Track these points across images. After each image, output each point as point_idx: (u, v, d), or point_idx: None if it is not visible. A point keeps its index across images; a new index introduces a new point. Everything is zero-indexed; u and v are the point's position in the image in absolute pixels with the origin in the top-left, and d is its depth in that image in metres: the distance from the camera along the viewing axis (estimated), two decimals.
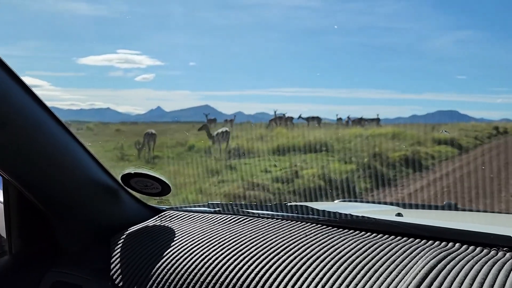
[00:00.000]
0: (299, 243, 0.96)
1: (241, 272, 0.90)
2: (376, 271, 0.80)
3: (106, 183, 1.16)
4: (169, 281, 0.95)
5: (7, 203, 1.14)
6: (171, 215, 1.25)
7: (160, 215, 1.25)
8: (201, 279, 0.92)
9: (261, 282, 0.86)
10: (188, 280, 0.93)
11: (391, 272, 0.79)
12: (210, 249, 1.00)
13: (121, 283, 1.01)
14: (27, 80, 0.94)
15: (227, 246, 1.00)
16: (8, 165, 1.00)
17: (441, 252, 0.81)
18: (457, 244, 0.86)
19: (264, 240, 1.00)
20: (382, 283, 0.77)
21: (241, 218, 1.16)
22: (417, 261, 0.80)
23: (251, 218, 1.15)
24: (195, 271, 0.95)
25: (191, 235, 1.09)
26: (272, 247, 0.96)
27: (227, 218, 1.17)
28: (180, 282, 0.94)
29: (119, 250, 1.10)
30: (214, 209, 1.26)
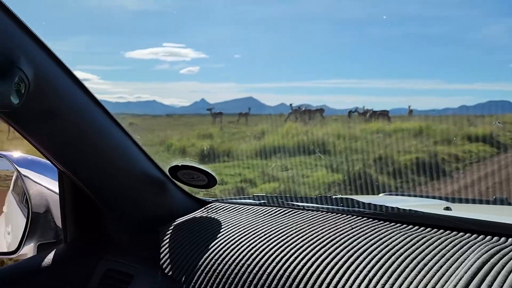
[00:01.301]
0: (346, 236, 0.95)
1: (288, 263, 0.91)
2: (425, 265, 0.78)
3: (154, 175, 1.18)
4: (217, 271, 0.97)
5: (62, 194, 1.19)
6: (217, 207, 1.26)
7: (206, 206, 1.27)
8: (249, 270, 0.93)
9: (308, 274, 0.86)
10: (236, 271, 0.94)
11: (441, 266, 0.77)
12: (256, 240, 1.01)
13: (170, 272, 1.03)
14: (78, 74, 0.97)
15: (273, 238, 1.00)
16: (63, 157, 1.04)
17: (493, 247, 0.78)
18: (510, 239, 0.83)
19: (310, 232, 1.00)
20: (432, 277, 0.75)
21: (286, 210, 1.16)
22: (469, 256, 0.78)
23: (296, 210, 1.15)
24: (242, 261, 0.96)
25: (238, 226, 1.10)
26: (319, 240, 0.95)
27: (272, 210, 1.17)
28: (228, 272, 0.95)
29: (168, 240, 1.13)
30: (259, 201, 1.26)
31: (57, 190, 1.26)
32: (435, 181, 6.68)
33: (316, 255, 0.90)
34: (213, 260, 1.00)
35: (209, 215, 1.22)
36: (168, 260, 1.07)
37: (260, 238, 1.02)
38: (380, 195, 1.94)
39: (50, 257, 1.15)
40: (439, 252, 0.81)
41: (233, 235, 1.06)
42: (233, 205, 1.26)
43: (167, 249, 1.10)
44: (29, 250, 1.25)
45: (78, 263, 1.17)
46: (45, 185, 1.28)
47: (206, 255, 1.02)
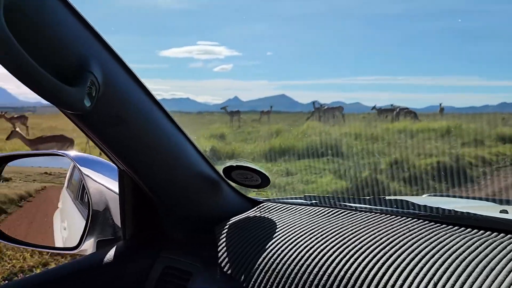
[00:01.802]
0: (404, 238, 0.95)
1: (348, 265, 0.91)
2: (492, 269, 0.78)
3: (209, 175, 1.21)
4: (277, 270, 0.98)
5: (122, 192, 1.23)
6: (269, 206, 1.28)
7: (259, 206, 1.29)
8: (308, 270, 0.94)
9: (370, 276, 0.86)
10: (295, 270, 0.96)
11: (509, 272, 0.76)
12: (313, 241, 1.02)
13: (229, 271, 1.05)
14: None
15: (330, 239, 1.01)
16: (127, 158, 1.07)
17: None
18: None
19: (367, 234, 1.00)
20: (501, 283, 0.75)
21: (338, 211, 1.17)
22: None
23: (349, 211, 1.16)
24: (301, 262, 0.97)
25: (293, 226, 1.12)
26: (377, 242, 0.96)
27: (325, 211, 1.18)
28: (288, 272, 0.96)
29: (224, 239, 1.15)
30: (310, 202, 1.27)
31: (115, 189, 1.31)
32: (457, 188, 6.44)
33: (377, 257, 0.90)
34: (272, 260, 1.01)
35: (262, 215, 1.24)
36: (227, 259, 1.09)
37: (317, 238, 1.03)
38: (424, 196, 1.92)
39: (111, 253, 1.19)
40: (504, 256, 0.81)
41: (289, 235, 1.07)
42: (284, 205, 1.27)
43: (225, 248, 1.13)
44: (88, 246, 1.29)
45: (137, 259, 1.21)
46: (104, 184, 1.32)
47: (264, 254, 1.04)
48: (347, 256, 0.94)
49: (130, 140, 1.03)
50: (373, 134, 10.70)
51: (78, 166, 1.32)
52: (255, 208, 1.29)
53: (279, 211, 1.25)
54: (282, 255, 1.01)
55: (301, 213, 1.20)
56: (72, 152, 1.39)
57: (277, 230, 1.12)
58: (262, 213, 1.25)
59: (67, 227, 1.52)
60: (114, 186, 1.32)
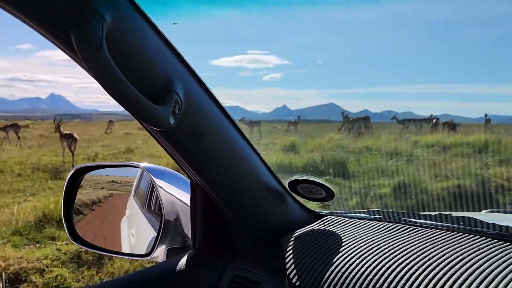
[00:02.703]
0: (474, 257, 0.95)
1: (418, 281, 0.93)
2: None
3: (275, 188, 1.26)
4: (345, 284, 1.01)
5: (193, 203, 1.29)
6: (333, 220, 1.32)
7: (323, 219, 1.33)
8: (377, 285, 0.96)
9: None
10: (364, 285, 0.98)
11: None
12: (380, 256, 1.04)
13: (297, 282, 1.09)
14: None
15: (398, 254, 1.03)
16: (203, 171, 1.13)
17: None
18: None
19: (435, 251, 1.01)
20: None
21: (403, 226, 1.18)
22: None
23: (414, 227, 1.17)
24: (369, 276, 0.99)
25: (359, 241, 1.14)
26: (446, 259, 0.97)
27: (389, 226, 1.20)
28: (357, 286, 0.99)
29: (291, 250, 1.19)
30: (374, 216, 1.30)
31: (184, 200, 1.37)
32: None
33: (447, 275, 0.91)
34: (340, 273, 1.04)
35: (327, 228, 1.27)
36: (294, 270, 1.12)
37: (384, 253, 1.05)
38: (482, 212, 1.87)
39: (183, 261, 1.25)
40: None
41: (356, 249, 1.10)
42: (348, 219, 1.30)
43: (292, 260, 1.16)
44: (160, 253, 1.36)
45: (207, 268, 1.26)
46: (175, 195, 1.39)
47: (332, 267, 1.06)
48: (417, 273, 0.95)
49: (206, 154, 1.09)
50: (391, 148, 10.51)
51: (152, 177, 1.39)
52: (319, 221, 1.33)
53: (343, 225, 1.28)
54: (350, 269, 1.04)
55: (366, 228, 1.23)
56: (146, 164, 1.45)
57: (343, 244, 1.15)
58: (326, 226, 1.29)
59: (135, 234, 1.59)
60: (184, 197, 1.38)
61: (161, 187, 1.38)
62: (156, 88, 0.89)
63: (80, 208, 1.56)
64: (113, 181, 1.70)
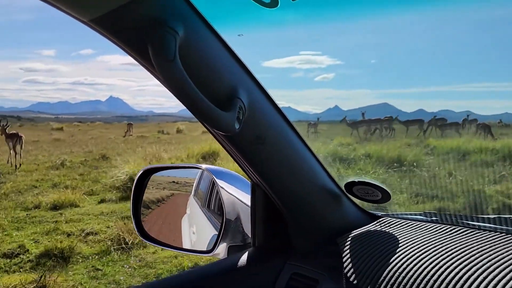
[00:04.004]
0: None
1: (476, 283, 0.93)
2: None
3: (332, 189, 1.29)
4: (403, 284, 1.02)
5: (253, 203, 1.35)
6: (389, 221, 1.33)
7: (378, 221, 1.35)
8: (435, 286, 0.97)
9: None
10: (422, 286, 0.99)
11: None
12: (439, 257, 1.05)
13: (355, 281, 1.12)
14: None
15: (456, 256, 1.04)
16: (264, 173, 1.19)
17: None
18: None
19: (495, 254, 1.01)
20: None
21: (461, 229, 1.18)
22: None
23: (472, 230, 1.17)
24: (427, 277, 1.00)
25: (416, 242, 1.15)
26: (507, 263, 0.96)
27: (447, 228, 1.20)
28: (415, 287, 1.00)
29: (348, 250, 1.22)
30: (431, 218, 1.30)
31: (244, 200, 1.44)
32: None
33: (506, 278, 0.91)
34: (397, 273, 1.05)
35: (383, 229, 1.29)
36: (352, 270, 1.15)
37: (442, 255, 1.06)
38: None
39: (243, 258, 1.31)
40: None
41: (413, 251, 1.11)
42: (403, 220, 1.32)
43: (349, 259, 1.19)
44: (221, 250, 1.43)
45: (267, 265, 1.32)
46: (235, 195, 1.45)
47: (389, 267, 1.08)
48: (475, 275, 0.96)
49: (267, 157, 1.14)
50: (402, 156, 10.11)
51: (214, 178, 1.46)
52: (375, 222, 1.35)
53: (400, 227, 1.29)
54: (407, 269, 1.05)
55: (423, 230, 1.24)
56: (208, 165, 1.53)
57: (400, 245, 1.17)
58: (382, 227, 1.31)
59: (196, 232, 1.67)
60: (243, 197, 1.45)
61: (222, 188, 1.45)
62: (222, 96, 0.96)
63: (145, 207, 1.65)
64: (173, 182, 1.79)
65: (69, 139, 28.82)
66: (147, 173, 1.66)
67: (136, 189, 1.63)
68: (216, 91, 0.95)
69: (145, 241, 1.59)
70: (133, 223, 1.61)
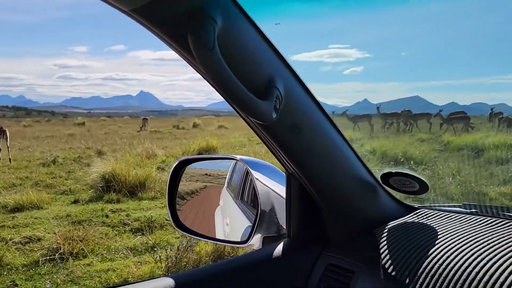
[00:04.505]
0: None
1: None
2: None
3: (368, 180, 1.28)
4: (443, 275, 1.00)
5: (289, 194, 1.35)
6: (426, 213, 1.31)
7: (415, 212, 1.32)
8: (477, 278, 0.95)
9: None
10: (463, 278, 0.97)
11: None
12: (480, 249, 1.03)
13: (393, 272, 1.10)
14: None
15: (498, 248, 1.02)
16: (300, 163, 1.18)
17: None
18: None
19: None
20: None
21: (502, 220, 1.15)
22: None
23: None
24: (468, 269, 0.98)
25: (456, 234, 1.13)
26: None
27: (487, 220, 1.18)
28: (455, 279, 0.98)
29: (385, 241, 1.21)
30: (470, 210, 1.28)
31: (279, 191, 1.44)
32: None
33: None
34: (437, 265, 1.04)
35: (421, 221, 1.27)
36: (390, 261, 1.14)
37: (484, 247, 1.04)
38: None
39: (279, 249, 1.31)
40: None
41: (453, 243, 1.09)
42: (442, 212, 1.29)
43: (387, 251, 1.18)
44: (256, 241, 1.44)
45: (302, 256, 1.31)
46: (270, 186, 1.46)
47: (429, 259, 1.07)
48: None
49: (303, 147, 1.14)
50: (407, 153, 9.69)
51: (249, 169, 1.46)
52: (412, 214, 1.33)
53: (438, 218, 1.27)
54: (447, 261, 1.04)
55: (462, 222, 1.21)
56: (242, 156, 1.53)
57: (439, 237, 1.15)
58: (420, 219, 1.29)
59: (229, 223, 1.69)
60: (278, 188, 1.45)
61: (257, 179, 1.45)
62: (259, 85, 0.96)
63: (180, 198, 1.68)
64: (206, 174, 1.82)
65: (84, 134, 29.38)
66: (183, 164, 1.68)
67: (172, 180, 1.66)
68: (254, 80, 0.95)
69: (181, 231, 1.62)
70: (169, 213, 1.64)
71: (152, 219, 7.12)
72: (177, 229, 1.62)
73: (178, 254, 5.23)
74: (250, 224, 1.51)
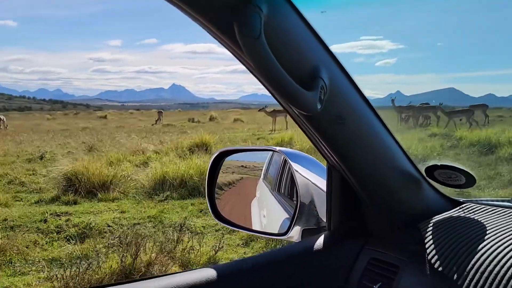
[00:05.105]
0: None
1: None
2: None
3: (412, 173, 1.25)
4: (494, 272, 0.97)
5: (329, 186, 1.33)
6: (473, 207, 1.27)
7: (461, 207, 1.29)
8: None
9: None
10: None
11: None
12: None
13: (440, 268, 1.07)
14: None
15: None
16: (343, 154, 1.17)
17: None
18: None
19: None
20: None
21: None
22: None
23: None
24: None
25: (505, 229, 1.10)
26: None
27: None
28: (508, 276, 0.95)
29: (431, 236, 1.17)
30: None
31: (319, 184, 1.42)
32: None
33: None
34: (487, 261, 1.01)
35: (468, 216, 1.24)
36: (436, 256, 1.10)
37: None
38: None
39: (319, 242, 1.29)
40: None
41: (504, 238, 1.06)
42: (490, 207, 1.26)
43: (433, 245, 1.14)
44: (295, 233, 1.42)
45: (343, 250, 1.30)
46: (309, 178, 1.44)
47: (478, 255, 1.03)
48: None
49: (346, 138, 1.12)
50: None
51: (289, 160, 1.45)
52: (458, 208, 1.30)
53: (486, 213, 1.24)
54: (498, 257, 1.00)
55: (511, 217, 1.18)
56: (282, 148, 1.52)
57: (488, 232, 1.12)
58: (467, 213, 1.26)
59: (266, 215, 1.66)
60: (317, 180, 1.44)
61: (296, 171, 1.44)
62: (305, 75, 0.95)
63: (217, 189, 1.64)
64: (242, 166, 1.79)
65: (96, 128, 29.43)
66: (222, 156, 1.65)
67: (211, 172, 1.64)
68: (299, 70, 0.94)
69: (220, 222, 1.58)
70: (208, 205, 1.62)
71: (92, 225, 6.68)
72: (217, 220, 1.60)
73: (79, 274, 4.61)
74: (287, 216, 1.50)
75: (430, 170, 1.28)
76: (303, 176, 1.44)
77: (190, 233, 6.36)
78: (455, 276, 1.02)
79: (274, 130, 23.02)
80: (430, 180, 1.32)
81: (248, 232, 1.56)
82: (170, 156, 11.67)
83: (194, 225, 6.84)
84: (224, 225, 1.59)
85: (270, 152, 1.73)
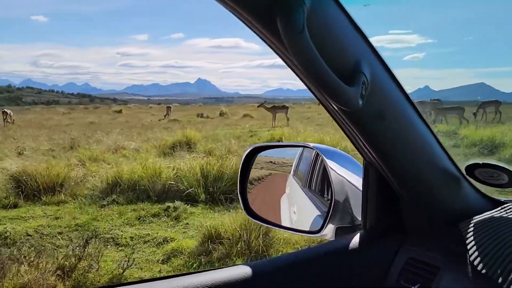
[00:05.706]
0: None
1: None
2: None
3: (452, 171, 1.22)
4: None
5: (366, 184, 1.31)
6: None
7: (503, 207, 1.25)
8: None
9: None
10: None
11: None
12: None
13: (483, 270, 1.04)
14: None
15: None
16: (382, 151, 1.14)
17: None
18: None
19: None
20: None
21: None
22: None
23: None
24: None
25: None
26: None
27: None
28: None
29: (472, 237, 1.14)
30: None
31: (353, 181, 1.39)
32: None
33: None
34: None
35: (510, 216, 1.20)
36: (479, 257, 1.07)
37: None
38: None
39: (355, 240, 1.27)
40: None
41: None
42: None
43: (475, 246, 1.11)
44: (328, 231, 1.40)
45: (379, 249, 1.27)
46: (344, 176, 1.41)
47: None
48: None
49: (386, 135, 1.10)
50: None
51: (324, 158, 1.43)
52: (499, 208, 1.26)
53: None
54: None
55: None
56: (316, 144, 1.49)
57: None
58: (509, 214, 1.22)
59: (297, 211, 1.64)
60: (352, 178, 1.41)
61: (331, 168, 1.41)
62: (346, 70, 0.93)
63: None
64: (271, 162, 1.78)
65: (101, 122, 29.39)
66: (254, 152, 1.66)
67: (243, 168, 1.63)
68: (341, 65, 0.92)
69: (252, 219, 1.59)
70: (240, 201, 1.61)
71: (7, 235, 5.99)
72: (248, 216, 1.59)
73: None
74: (319, 213, 1.48)
75: (471, 168, 1.25)
76: (337, 173, 1.41)
77: (115, 245, 5.90)
78: (500, 279, 0.99)
79: (274, 127, 22.85)
80: (471, 179, 1.28)
81: (277, 229, 1.54)
82: (148, 154, 11.33)
83: (122, 235, 6.29)
84: (255, 221, 1.58)
85: (301, 148, 1.71)
